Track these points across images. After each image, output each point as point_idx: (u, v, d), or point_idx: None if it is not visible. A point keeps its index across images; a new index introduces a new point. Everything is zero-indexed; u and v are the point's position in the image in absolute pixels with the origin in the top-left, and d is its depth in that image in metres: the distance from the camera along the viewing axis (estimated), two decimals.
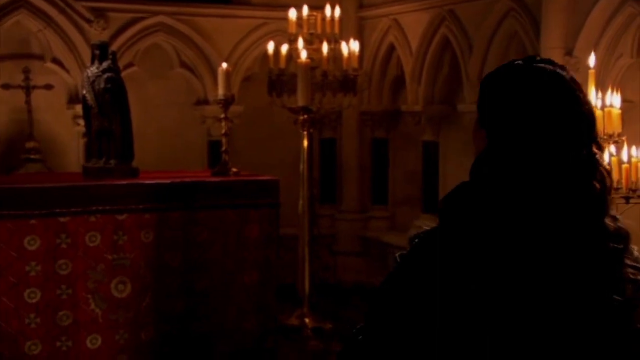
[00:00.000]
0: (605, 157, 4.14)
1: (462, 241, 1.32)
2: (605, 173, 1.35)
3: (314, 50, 6.00)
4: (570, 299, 1.22)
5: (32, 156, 6.57)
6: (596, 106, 4.09)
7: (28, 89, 6.54)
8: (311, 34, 6.17)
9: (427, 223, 1.49)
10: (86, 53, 6.34)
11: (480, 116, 1.45)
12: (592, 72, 4.25)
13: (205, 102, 7.19)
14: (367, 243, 7.39)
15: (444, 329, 1.32)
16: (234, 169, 5.38)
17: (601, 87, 4.47)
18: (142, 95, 6.74)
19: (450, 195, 1.42)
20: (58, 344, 4.60)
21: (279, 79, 6.04)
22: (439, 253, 1.36)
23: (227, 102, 5.51)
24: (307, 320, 5.73)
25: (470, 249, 1.32)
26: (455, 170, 6.77)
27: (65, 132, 6.81)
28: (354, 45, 6.01)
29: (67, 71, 6.72)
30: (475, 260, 1.32)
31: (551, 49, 5.19)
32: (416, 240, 1.44)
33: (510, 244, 1.28)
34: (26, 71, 6.58)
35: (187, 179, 5.09)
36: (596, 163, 1.34)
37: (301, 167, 5.92)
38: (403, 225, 7.22)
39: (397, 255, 1.53)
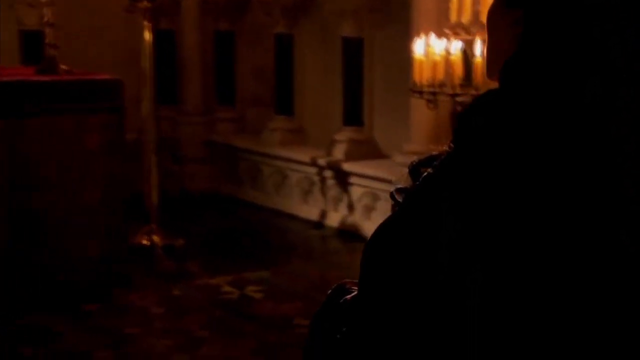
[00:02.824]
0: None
1: (483, 179, 1.01)
2: None
3: None
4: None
5: None
6: None
7: None
8: None
9: (433, 148, 1.18)
10: None
11: None
12: None
13: None
14: (214, 148, 6.97)
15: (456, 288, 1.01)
16: (64, 67, 4.72)
17: None
18: None
19: (470, 111, 1.06)
20: None
21: None
22: (451, 195, 1.03)
23: None
24: (156, 238, 5.29)
25: (493, 191, 1.00)
26: (312, 67, 6.43)
27: None
28: None
29: None
30: (497, 208, 0.99)
31: None
32: (425, 175, 1.07)
33: (549, 184, 0.98)
34: None
35: (7, 78, 4.40)
36: None
37: (143, 63, 5.34)
38: (254, 127, 6.85)
39: (394, 191, 1.18)
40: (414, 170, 1.13)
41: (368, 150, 5.82)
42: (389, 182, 5.34)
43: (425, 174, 1.08)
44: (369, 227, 5.50)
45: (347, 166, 5.70)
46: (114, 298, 4.43)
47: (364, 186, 5.58)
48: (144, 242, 5.26)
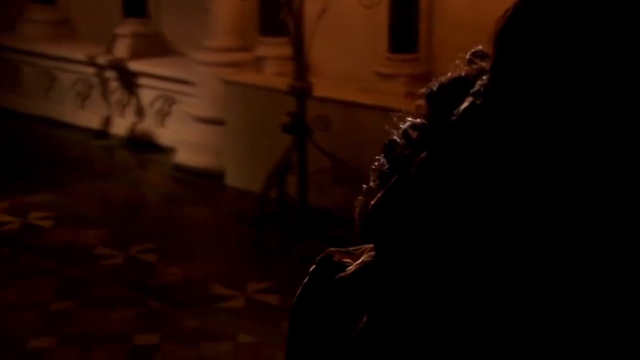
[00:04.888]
0: None
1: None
2: None
3: None
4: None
5: None
6: None
7: None
8: None
9: None
10: None
11: None
12: None
13: None
14: None
15: None
16: None
17: None
18: None
19: (519, 19, 0.81)
20: None
21: None
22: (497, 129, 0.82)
23: None
24: None
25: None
26: None
27: None
28: None
29: None
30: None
31: None
32: (467, 107, 0.83)
33: None
34: None
35: None
36: None
37: None
38: (4, 18, 6.02)
39: (407, 128, 0.92)
40: (435, 98, 0.87)
41: (157, 47, 5.31)
42: (187, 82, 4.92)
43: (465, 105, 0.82)
44: (164, 135, 5.08)
45: (134, 65, 5.17)
46: None
47: (156, 88, 5.10)
48: None
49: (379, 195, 0.88)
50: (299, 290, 0.98)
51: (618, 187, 0.78)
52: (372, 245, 0.99)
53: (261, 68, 4.60)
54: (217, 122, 4.54)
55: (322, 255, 0.99)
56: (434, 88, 0.88)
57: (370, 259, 0.97)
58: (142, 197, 4.49)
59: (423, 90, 0.88)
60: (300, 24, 3.93)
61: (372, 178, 1.04)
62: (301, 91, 3.93)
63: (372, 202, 0.87)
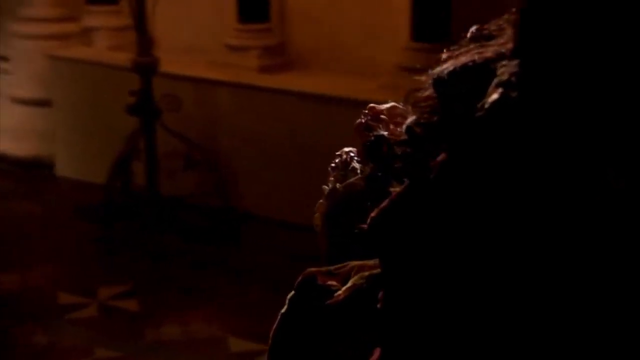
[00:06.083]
0: None
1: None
2: None
3: None
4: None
5: None
6: None
7: None
8: None
9: None
10: None
11: None
12: None
13: None
14: None
15: None
16: None
17: None
18: None
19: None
20: None
21: None
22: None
23: None
24: None
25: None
26: None
27: None
28: None
29: None
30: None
31: None
32: (497, 99, 0.79)
33: None
34: None
35: None
36: None
37: None
38: None
39: (410, 124, 0.86)
40: (447, 87, 0.79)
41: None
42: (1, 58, 4.42)
43: (495, 97, 0.73)
44: None
45: None
46: None
47: None
48: None
49: (385, 204, 0.80)
50: (277, 322, 0.94)
51: (623, 187, 0.77)
52: (358, 264, 0.96)
53: (90, 40, 4.23)
54: (42, 103, 4.17)
55: (301, 278, 0.97)
56: (444, 75, 0.79)
57: (363, 281, 0.95)
58: None
59: (424, 77, 0.78)
60: None
61: (333, 177, 1.04)
62: (146, 67, 3.61)
63: (373, 215, 0.79)
